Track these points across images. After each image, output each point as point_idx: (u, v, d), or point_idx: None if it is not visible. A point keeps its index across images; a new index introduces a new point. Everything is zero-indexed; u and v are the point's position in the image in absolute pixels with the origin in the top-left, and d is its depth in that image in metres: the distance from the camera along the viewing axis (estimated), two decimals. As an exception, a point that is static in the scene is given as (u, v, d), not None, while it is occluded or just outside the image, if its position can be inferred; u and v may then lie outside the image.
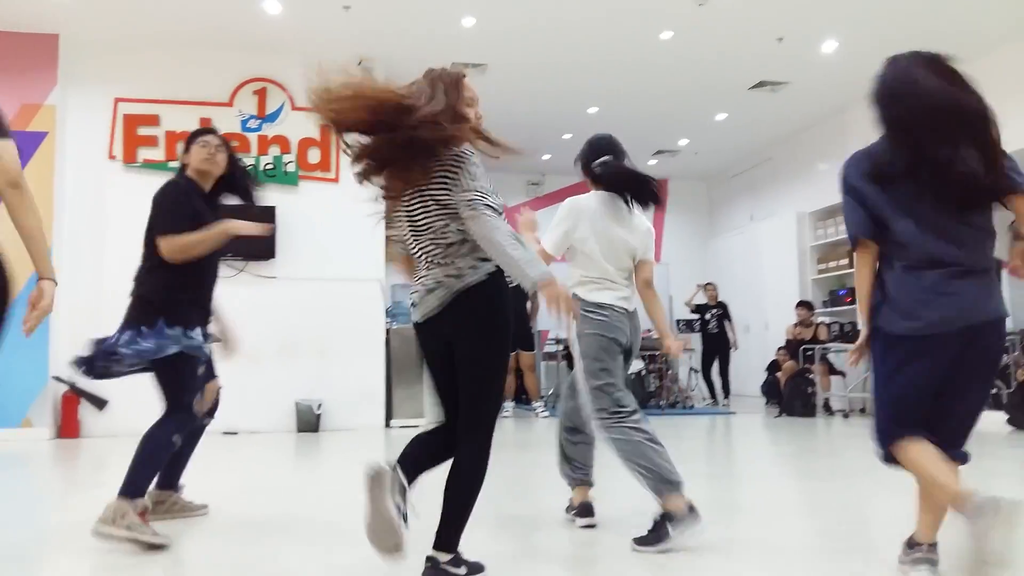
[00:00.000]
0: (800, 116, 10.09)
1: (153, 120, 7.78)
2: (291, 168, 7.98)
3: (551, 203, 12.75)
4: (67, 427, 7.15)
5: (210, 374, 3.66)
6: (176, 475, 3.68)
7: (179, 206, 3.26)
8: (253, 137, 7.96)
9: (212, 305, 3.47)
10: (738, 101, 9.48)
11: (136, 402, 7.86)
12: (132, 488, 3.03)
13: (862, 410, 9.33)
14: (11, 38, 7.39)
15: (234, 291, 7.20)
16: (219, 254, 3.43)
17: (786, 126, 10.51)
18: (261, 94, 8.01)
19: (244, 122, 7.96)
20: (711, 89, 9.11)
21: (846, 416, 8.77)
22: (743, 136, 10.97)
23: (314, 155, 8.08)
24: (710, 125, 10.43)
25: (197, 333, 3.25)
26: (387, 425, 7.89)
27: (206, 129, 3.58)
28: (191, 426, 3.41)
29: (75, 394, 7.03)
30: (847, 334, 9.34)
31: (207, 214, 3.32)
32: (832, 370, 9.37)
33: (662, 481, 2.97)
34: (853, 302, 9.74)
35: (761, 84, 8.93)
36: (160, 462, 3.22)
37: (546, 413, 8.84)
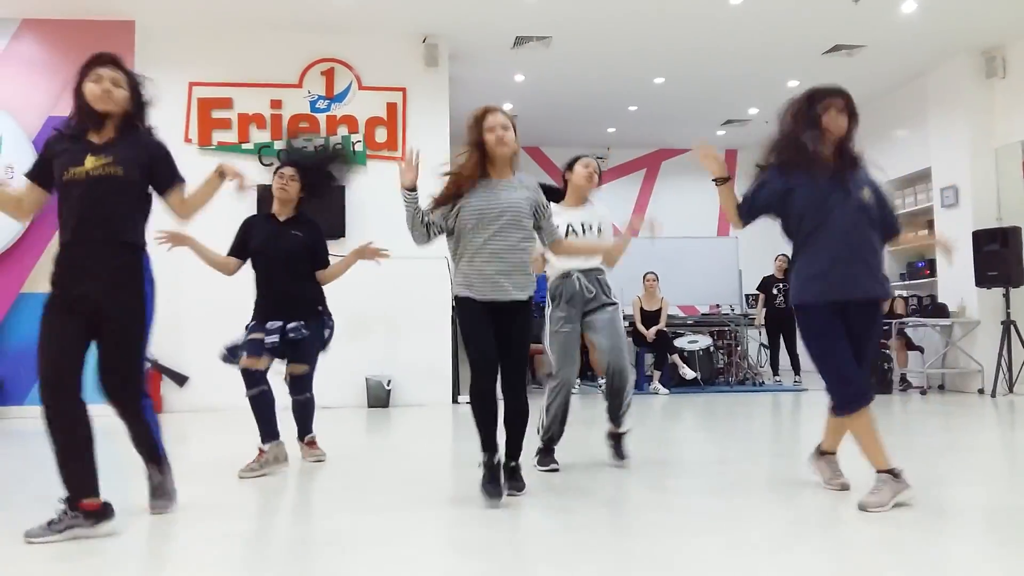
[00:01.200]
0: (877, 81, 9.71)
1: (226, 103, 7.97)
2: (359, 147, 8.08)
3: (618, 176, 12.63)
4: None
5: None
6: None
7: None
8: (322, 117, 8.08)
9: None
10: (811, 67, 9.16)
11: (214, 379, 8.15)
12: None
13: (941, 386, 9.03)
14: (90, 25, 7.64)
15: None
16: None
17: (862, 92, 9.98)
18: (329, 74, 8.12)
19: (313, 103, 8.08)
20: (783, 55, 8.83)
21: (924, 393, 8.50)
22: (816, 104, 10.62)
23: (381, 134, 8.16)
24: (782, 93, 9.92)
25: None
26: (455, 401, 7.99)
27: (288, 160, 4.42)
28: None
29: (158, 371, 7.31)
30: (925, 308, 9.03)
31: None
32: (910, 345, 9.09)
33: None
34: (932, 275, 9.40)
35: (836, 48, 8.61)
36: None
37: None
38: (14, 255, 7.24)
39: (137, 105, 3.10)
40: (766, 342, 10.34)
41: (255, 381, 4.22)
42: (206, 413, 6.99)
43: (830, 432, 3.53)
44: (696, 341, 9.45)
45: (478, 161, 3.40)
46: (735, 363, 9.73)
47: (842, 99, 3.31)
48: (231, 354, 4.35)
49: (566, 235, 4.08)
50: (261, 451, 4.16)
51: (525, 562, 2.55)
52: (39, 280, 7.28)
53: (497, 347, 3.34)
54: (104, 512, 2.84)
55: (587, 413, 6.99)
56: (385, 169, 8.12)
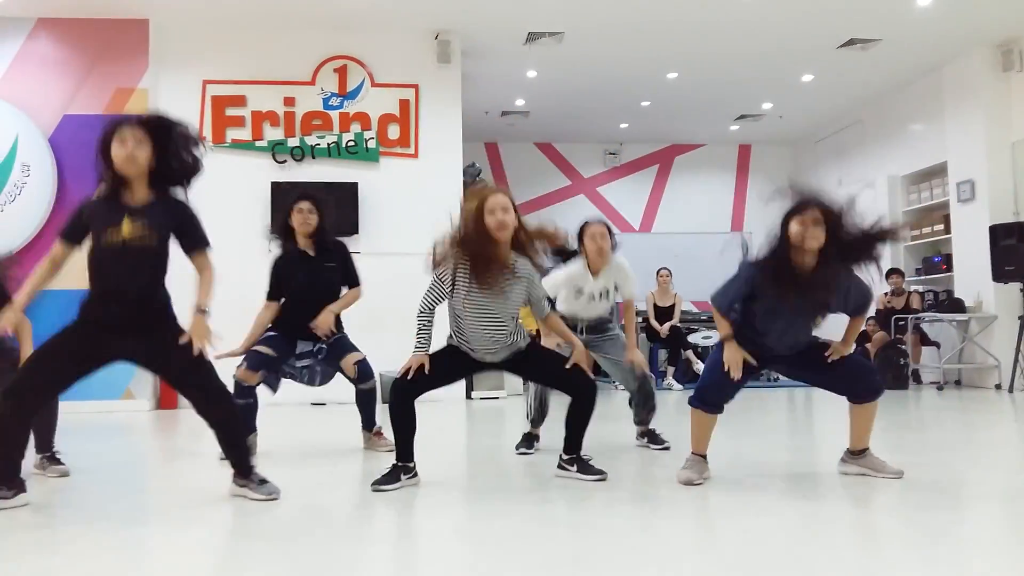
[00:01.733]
0: (892, 75, 9.63)
1: (240, 101, 8.00)
2: (372, 144, 8.09)
3: (629, 173, 12.60)
4: (166, 399, 7.50)
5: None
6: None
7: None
8: (335, 115, 8.10)
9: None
10: (825, 61, 9.11)
11: (228, 375, 8.19)
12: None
13: (957, 382, 8.97)
14: (104, 24, 7.70)
15: (319, 266, 7.40)
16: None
17: (877, 86, 10.06)
18: (342, 72, 8.14)
19: (326, 100, 8.11)
20: (797, 49, 8.78)
21: (940, 388, 8.45)
22: (831, 98, 10.55)
23: (393, 131, 8.18)
24: (795, 87, 10.07)
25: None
26: (468, 397, 8.01)
27: (303, 194, 4.61)
28: None
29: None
30: (942, 303, 8.97)
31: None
32: (925, 340, 9.02)
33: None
34: (949, 269, 9.32)
35: (851, 42, 8.54)
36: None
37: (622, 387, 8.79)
38: (36, 249, 7.28)
39: (162, 157, 3.15)
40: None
41: (244, 394, 4.36)
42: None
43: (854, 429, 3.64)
44: (710, 337, 9.41)
45: (477, 244, 3.50)
46: (749, 359, 9.68)
47: (818, 209, 3.33)
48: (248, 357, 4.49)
49: (577, 297, 4.43)
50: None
51: (541, 553, 2.55)
52: (61, 276, 7.37)
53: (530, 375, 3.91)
54: (20, 485, 3.16)
55: (605, 409, 6.98)
56: (398, 166, 8.14)
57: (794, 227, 3.32)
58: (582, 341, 4.02)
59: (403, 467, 3.53)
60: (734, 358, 3.47)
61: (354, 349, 4.62)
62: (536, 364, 3.72)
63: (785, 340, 3.51)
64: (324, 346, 4.54)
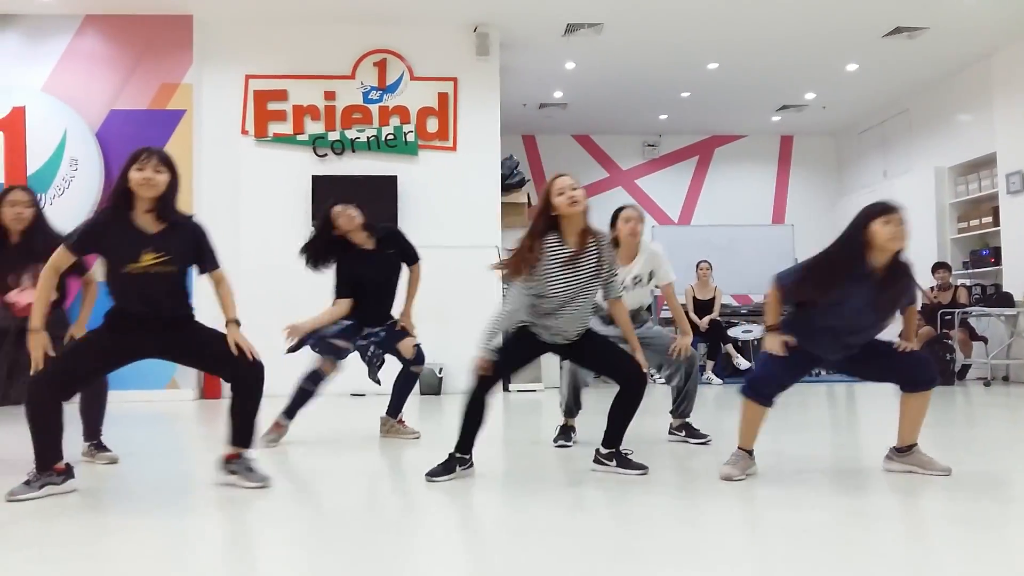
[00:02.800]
0: (939, 64, 9.42)
1: (282, 95, 8.09)
2: (411, 138, 8.14)
3: (668, 164, 12.49)
4: (209, 388, 7.64)
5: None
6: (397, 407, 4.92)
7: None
8: (374, 108, 8.15)
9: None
10: (871, 50, 8.93)
11: (271, 365, 8.28)
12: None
13: (1005, 378, 8.77)
14: (150, 20, 7.84)
15: (358, 258, 7.47)
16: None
17: (924, 75, 9.84)
18: (381, 65, 8.19)
19: (366, 94, 8.16)
20: (841, 38, 8.62)
21: (987, 384, 8.26)
22: (876, 87, 10.34)
23: (432, 124, 8.21)
24: (840, 77, 9.89)
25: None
26: (506, 389, 8.03)
27: (339, 199, 4.69)
28: None
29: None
30: (990, 297, 8.76)
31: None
32: (973, 335, 8.82)
33: None
34: (997, 263, 9.10)
35: (897, 31, 8.37)
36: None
37: (661, 379, 8.75)
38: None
39: (173, 185, 3.35)
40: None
41: (315, 380, 4.65)
42: (264, 399, 7.12)
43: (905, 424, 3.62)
44: (750, 331, 9.32)
45: (545, 227, 3.54)
46: (790, 353, 9.56)
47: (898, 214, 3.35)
48: (318, 344, 4.65)
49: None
50: (280, 424, 4.62)
51: (576, 545, 2.55)
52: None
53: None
54: (69, 472, 3.28)
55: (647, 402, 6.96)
56: (436, 159, 8.17)
57: (881, 227, 3.31)
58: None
59: (460, 458, 3.57)
60: (774, 343, 3.48)
61: (402, 334, 4.78)
62: (593, 348, 3.71)
63: (850, 338, 3.47)
64: (383, 332, 4.70)
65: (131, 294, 3.28)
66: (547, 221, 3.51)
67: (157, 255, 3.26)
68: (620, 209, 4.59)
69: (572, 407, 4.56)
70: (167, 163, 3.34)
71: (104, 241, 3.29)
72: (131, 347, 3.33)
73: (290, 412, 4.64)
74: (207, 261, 3.45)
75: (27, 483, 3.19)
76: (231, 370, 3.41)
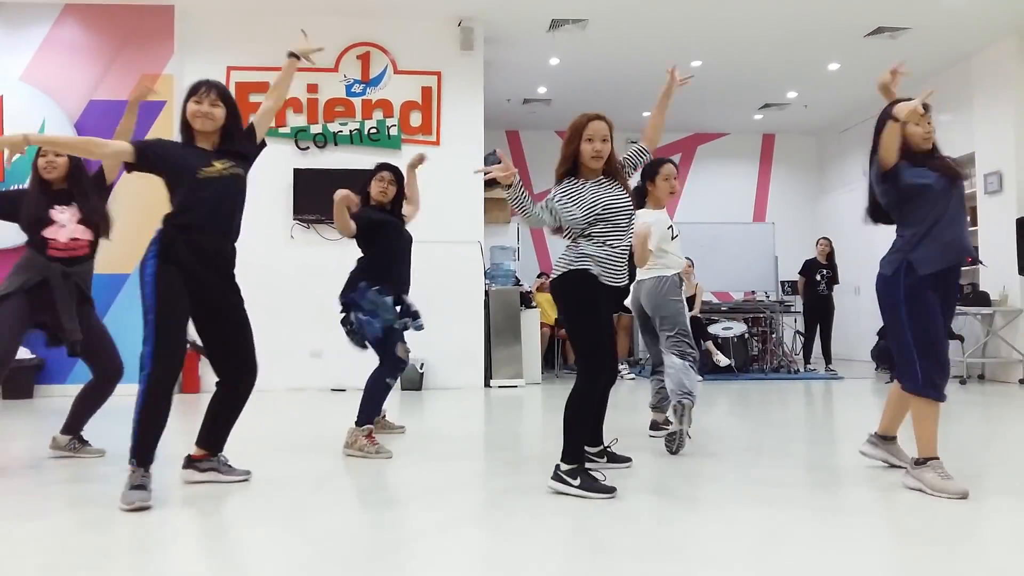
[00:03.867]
0: (921, 64, 9.48)
1: (264, 87, 8.02)
2: (394, 132, 8.11)
3: (652, 161, 12.52)
4: (188, 383, 7.58)
5: None
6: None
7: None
8: (357, 102, 8.11)
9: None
10: (853, 49, 8.99)
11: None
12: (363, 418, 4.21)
13: (980, 376, 8.88)
14: (131, 10, 7.75)
15: (343, 253, 7.43)
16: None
17: (905, 75, 9.89)
18: (365, 59, 8.15)
19: (349, 87, 8.12)
20: (823, 38, 8.68)
21: (963, 383, 8.36)
22: (857, 87, 10.41)
23: (416, 118, 8.18)
24: (822, 76, 9.95)
25: None
26: (487, 385, 8.03)
27: (384, 165, 4.73)
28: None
29: (196, 351, 7.43)
30: (967, 296, 8.86)
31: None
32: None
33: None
34: (974, 262, 9.19)
35: (879, 31, 8.44)
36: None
37: (632, 376, 8.80)
38: (58, 237, 7.40)
39: (233, 117, 3.41)
40: (801, 329, 10.22)
41: (398, 368, 4.43)
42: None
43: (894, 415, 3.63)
44: (731, 328, 9.37)
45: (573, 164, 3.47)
46: (770, 350, 9.64)
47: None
48: (373, 325, 4.38)
49: (672, 237, 4.43)
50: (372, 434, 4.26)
51: (562, 545, 2.56)
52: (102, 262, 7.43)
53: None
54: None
55: (620, 399, 6.98)
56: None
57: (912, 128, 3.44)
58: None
59: (585, 470, 3.22)
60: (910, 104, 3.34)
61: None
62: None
63: (959, 222, 3.35)
64: (410, 306, 4.50)
65: (204, 203, 3.21)
66: (571, 162, 3.44)
67: (225, 162, 3.30)
68: (659, 163, 4.47)
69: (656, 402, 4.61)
70: (225, 97, 3.37)
71: (168, 158, 3.26)
72: (195, 283, 3.18)
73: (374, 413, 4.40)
74: (252, 139, 3.55)
75: (141, 487, 3.00)
76: (238, 370, 3.33)
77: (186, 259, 3.15)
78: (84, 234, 3.92)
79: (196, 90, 3.33)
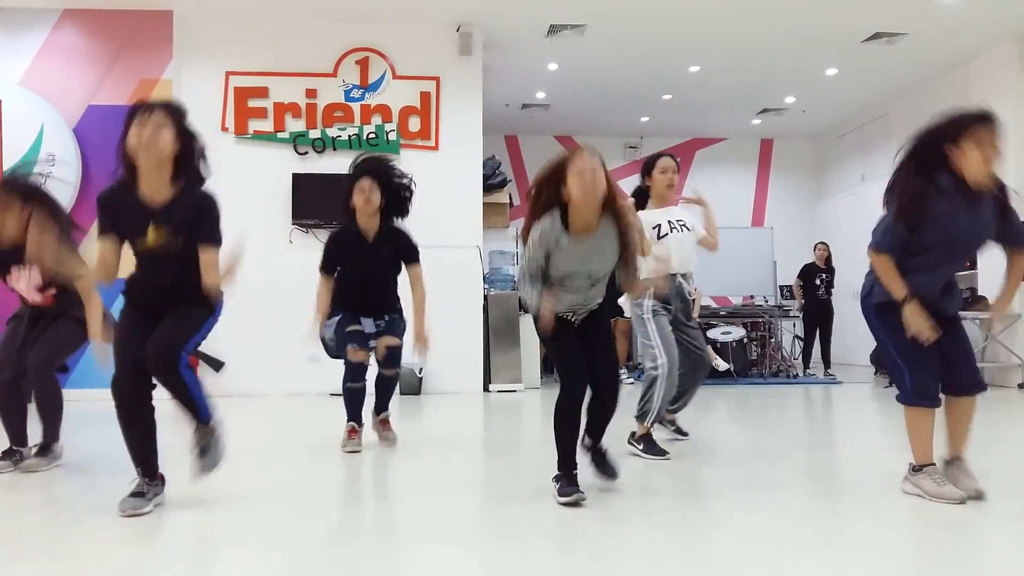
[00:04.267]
0: (918, 69, 9.52)
1: (262, 92, 8.04)
2: (393, 137, 8.11)
3: (651, 166, 12.53)
4: (188, 386, 7.56)
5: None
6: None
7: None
8: (356, 107, 8.12)
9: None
10: (850, 55, 9.02)
11: (250, 366, 8.23)
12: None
13: (981, 380, 8.87)
14: (129, 15, 7.76)
15: (339, 257, 7.43)
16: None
17: (902, 80, 9.95)
18: (363, 63, 8.15)
19: (347, 92, 8.12)
20: (821, 43, 8.70)
21: (963, 386, 8.35)
22: (855, 92, 10.44)
23: (414, 123, 8.18)
24: (819, 81, 9.97)
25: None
26: (486, 390, 8.02)
27: (361, 169, 4.32)
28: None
29: (195, 357, 7.42)
30: (965, 300, 8.87)
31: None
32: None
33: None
34: (972, 266, 9.21)
35: (877, 36, 8.46)
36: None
37: (631, 380, 8.78)
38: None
39: (187, 147, 2.97)
40: (800, 334, 10.22)
41: (359, 375, 4.40)
42: (242, 398, 7.09)
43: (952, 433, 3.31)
44: (729, 332, 9.37)
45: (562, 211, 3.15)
46: (768, 355, 9.64)
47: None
48: (332, 347, 4.46)
49: (659, 236, 4.24)
50: (355, 430, 4.45)
51: (557, 550, 2.55)
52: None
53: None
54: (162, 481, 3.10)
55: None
56: (418, 158, 8.14)
57: (973, 150, 3.05)
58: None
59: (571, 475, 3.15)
60: (918, 320, 3.02)
61: (402, 337, 4.50)
62: (588, 332, 3.34)
63: (942, 279, 3.17)
64: (383, 324, 4.44)
65: (145, 270, 3.04)
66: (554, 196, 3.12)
67: (161, 229, 2.91)
68: (656, 157, 4.42)
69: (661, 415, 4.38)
70: (174, 116, 2.91)
71: (120, 221, 2.96)
72: (152, 314, 3.04)
73: (355, 417, 4.48)
74: (203, 233, 2.96)
75: (139, 494, 2.95)
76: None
77: (143, 303, 3.07)
78: (46, 292, 3.89)
79: (134, 113, 2.86)
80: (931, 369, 3.15)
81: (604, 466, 3.40)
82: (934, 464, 3.20)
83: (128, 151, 2.86)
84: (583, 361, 3.21)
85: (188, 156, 2.96)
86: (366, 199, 4.25)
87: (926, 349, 3.10)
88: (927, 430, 3.20)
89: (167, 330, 2.99)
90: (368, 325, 4.42)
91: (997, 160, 3.06)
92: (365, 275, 4.40)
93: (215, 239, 3.00)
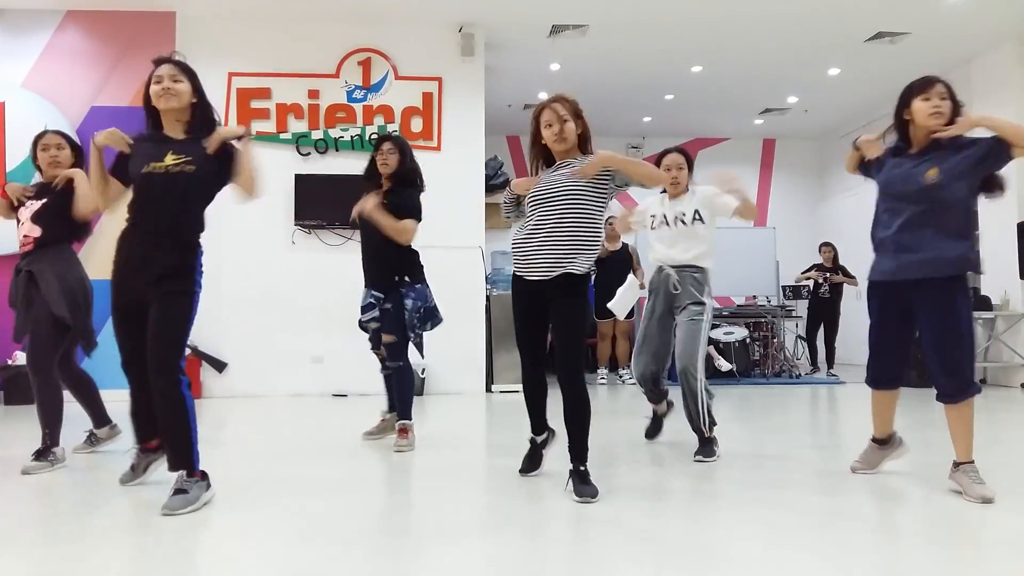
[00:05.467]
0: (921, 69, 9.28)
1: (265, 93, 8.05)
2: (394, 137, 8.10)
3: (653, 166, 12.53)
4: (192, 388, 7.56)
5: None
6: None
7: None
8: (358, 107, 8.13)
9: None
10: (853, 55, 9.01)
11: (252, 366, 8.25)
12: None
13: (982, 381, 8.86)
14: (132, 16, 7.77)
15: (344, 259, 7.44)
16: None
17: (905, 80, 9.75)
18: (366, 64, 8.16)
19: (350, 93, 8.13)
20: (824, 43, 8.69)
21: (966, 386, 8.34)
22: (858, 92, 10.43)
23: (416, 124, 8.19)
24: (822, 81, 9.97)
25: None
26: (488, 390, 8.02)
27: (384, 136, 4.67)
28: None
29: (197, 357, 7.44)
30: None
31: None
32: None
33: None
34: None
35: (879, 36, 8.45)
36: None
37: (633, 380, 8.77)
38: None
39: (200, 95, 3.26)
40: (803, 333, 10.22)
41: (383, 365, 4.71)
42: (244, 399, 7.11)
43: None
44: (732, 332, 9.37)
45: (538, 158, 3.48)
46: (771, 355, 9.64)
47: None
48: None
49: (651, 227, 4.31)
50: (383, 418, 4.77)
51: (564, 551, 2.55)
52: (95, 268, 7.46)
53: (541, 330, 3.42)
54: (205, 478, 3.16)
55: (612, 404, 6.98)
56: (421, 159, 8.09)
57: (919, 104, 3.26)
58: (668, 309, 4.15)
59: (542, 441, 3.64)
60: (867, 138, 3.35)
61: (394, 331, 4.45)
62: (556, 311, 3.29)
63: (905, 237, 3.23)
64: (389, 307, 4.44)
65: (144, 200, 3.09)
66: (540, 151, 3.45)
67: (180, 156, 3.10)
68: (664, 153, 4.48)
69: (648, 393, 4.45)
70: (185, 70, 3.22)
71: (137, 155, 3.16)
72: (129, 292, 3.09)
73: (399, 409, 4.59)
74: (230, 168, 3.19)
75: (181, 492, 3.00)
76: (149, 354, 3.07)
77: (124, 270, 3.11)
78: (32, 231, 3.96)
79: (154, 70, 3.21)
80: (880, 354, 3.33)
81: (578, 487, 3.18)
82: (972, 462, 3.21)
83: (152, 102, 3.16)
84: (530, 348, 3.41)
85: (204, 106, 3.26)
86: (384, 161, 4.49)
87: (881, 334, 3.30)
88: (878, 410, 3.46)
89: (159, 341, 3.03)
90: (365, 297, 4.55)
91: (947, 111, 3.21)
92: (367, 239, 4.52)
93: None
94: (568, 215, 3.24)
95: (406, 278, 4.46)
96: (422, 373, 7.74)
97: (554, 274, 3.23)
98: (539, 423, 3.59)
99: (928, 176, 3.17)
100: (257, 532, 2.77)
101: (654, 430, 4.68)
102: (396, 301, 4.43)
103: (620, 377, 9.06)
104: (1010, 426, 5.71)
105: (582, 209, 3.25)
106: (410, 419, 4.52)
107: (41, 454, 3.88)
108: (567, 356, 3.23)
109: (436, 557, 2.46)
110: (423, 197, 4.63)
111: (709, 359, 9.04)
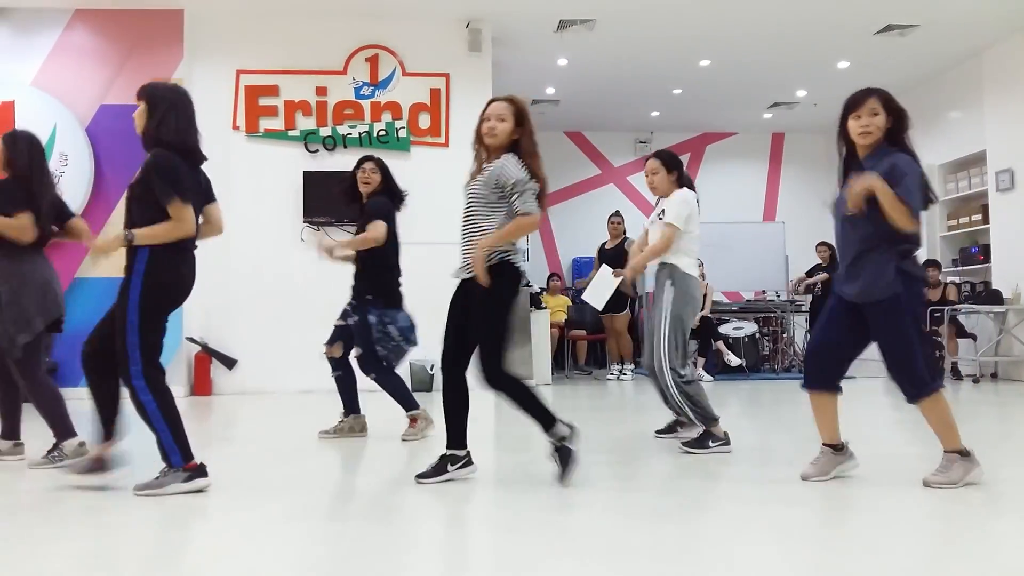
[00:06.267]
0: (930, 62, 9.45)
1: (273, 91, 8.07)
2: (403, 134, 8.12)
3: (661, 161, 12.49)
4: (200, 385, 7.60)
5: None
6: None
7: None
8: (366, 104, 8.14)
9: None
10: (862, 47, 8.96)
11: (262, 362, 8.27)
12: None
13: (994, 375, 8.82)
14: (140, 14, 7.80)
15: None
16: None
17: (915, 73, 9.87)
18: (373, 61, 8.17)
19: (357, 89, 8.15)
20: (832, 35, 8.64)
21: (976, 381, 8.31)
22: (867, 85, 10.25)
23: (424, 120, 8.19)
24: (831, 74, 9.90)
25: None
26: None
27: (366, 157, 4.86)
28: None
29: (207, 354, 7.47)
30: (979, 295, 8.82)
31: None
32: (961, 333, 8.87)
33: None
34: (986, 260, 9.15)
35: (888, 28, 8.40)
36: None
37: (628, 376, 8.76)
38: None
39: (154, 118, 3.46)
40: (811, 329, 10.19)
41: (332, 367, 4.82)
42: (254, 396, 7.13)
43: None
44: (741, 328, 9.35)
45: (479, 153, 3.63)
46: (780, 350, 9.61)
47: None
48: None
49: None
50: (341, 420, 4.80)
51: (574, 545, 2.56)
52: (93, 265, 7.43)
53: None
54: (201, 471, 3.20)
55: (626, 400, 6.97)
56: (428, 155, 8.16)
57: (851, 123, 3.35)
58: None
59: (452, 456, 3.36)
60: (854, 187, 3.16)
61: (359, 343, 4.64)
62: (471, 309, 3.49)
63: (844, 258, 3.30)
64: (356, 318, 4.63)
65: None
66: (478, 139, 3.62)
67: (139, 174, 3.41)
68: (647, 158, 4.67)
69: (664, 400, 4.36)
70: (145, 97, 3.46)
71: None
72: None
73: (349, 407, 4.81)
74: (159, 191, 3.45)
75: (156, 478, 3.16)
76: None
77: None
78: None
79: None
80: (816, 353, 3.52)
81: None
82: (957, 451, 3.26)
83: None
84: (449, 344, 3.56)
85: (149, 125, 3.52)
86: (366, 179, 4.73)
87: (822, 332, 3.48)
88: (817, 415, 3.54)
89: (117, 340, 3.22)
90: (344, 311, 4.78)
91: (878, 126, 3.32)
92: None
93: (167, 195, 3.51)
94: (481, 219, 3.53)
95: (369, 296, 4.62)
96: (431, 369, 7.75)
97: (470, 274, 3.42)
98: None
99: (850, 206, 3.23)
100: (260, 529, 2.78)
101: (667, 429, 4.67)
102: (361, 315, 4.60)
103: (611, 373, 9.01)
104: (1022, 420, 5.68)
105: (480, 215, 3.54)
106: (415, 408, 4.68)
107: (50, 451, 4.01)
108: (485, 353, 3.55)
109: (445, 551, 2.46)
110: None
111: (719, 354, 9.04)
